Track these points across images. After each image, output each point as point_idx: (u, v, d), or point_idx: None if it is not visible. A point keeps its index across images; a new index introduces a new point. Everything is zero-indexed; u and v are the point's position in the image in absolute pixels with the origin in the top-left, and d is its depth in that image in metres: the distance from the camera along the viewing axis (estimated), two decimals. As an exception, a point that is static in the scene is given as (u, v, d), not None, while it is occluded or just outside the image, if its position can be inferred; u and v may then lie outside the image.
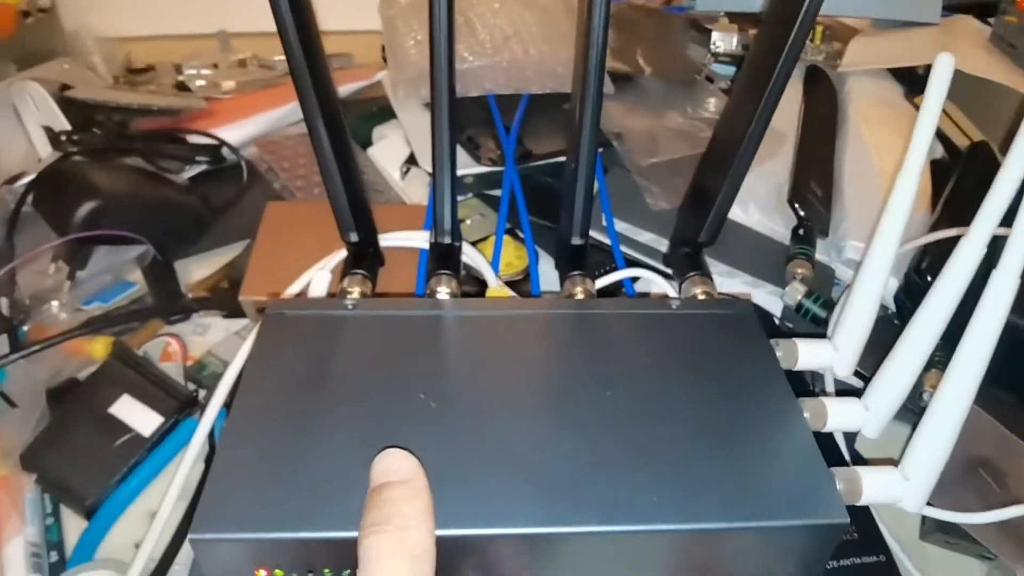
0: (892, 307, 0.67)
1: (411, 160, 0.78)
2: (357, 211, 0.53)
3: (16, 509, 0.51)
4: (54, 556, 0.52)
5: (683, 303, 0.46)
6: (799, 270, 0.65)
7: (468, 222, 0.73)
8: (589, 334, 0.45)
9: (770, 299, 0.66)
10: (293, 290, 0.56)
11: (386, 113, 0.84)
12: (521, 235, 0.68)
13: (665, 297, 0.51)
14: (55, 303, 0.64)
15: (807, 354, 0.46)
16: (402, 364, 0.41)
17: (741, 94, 0.50)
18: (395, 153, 0.81)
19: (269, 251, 0.65)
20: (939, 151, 0.83)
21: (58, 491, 0.54)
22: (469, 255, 0.57)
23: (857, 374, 0.62)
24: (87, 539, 0.53)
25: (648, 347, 0.44)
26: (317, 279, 0.52)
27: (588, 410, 0.39)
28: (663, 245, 0.67)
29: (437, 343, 0.44)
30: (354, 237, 0.53)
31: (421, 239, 0.58)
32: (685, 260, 0.53)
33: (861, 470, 0.44)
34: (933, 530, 0.55)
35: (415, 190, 0.77)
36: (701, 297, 0.49)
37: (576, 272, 0.50)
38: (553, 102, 0.75)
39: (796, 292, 0.64)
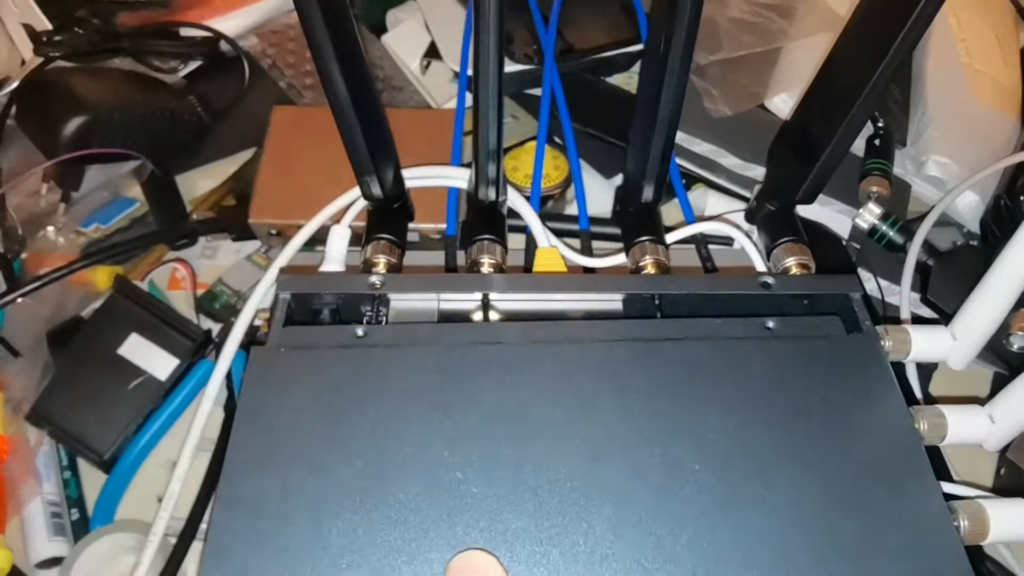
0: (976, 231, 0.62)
1: (432, 52, 0.71)
2: (381, 162, 0.46)
3: (29, 471, 0.49)
4: (75, 514, 0.50)
5: (777, 281, 0.41)
6: (874, 188, 0.60)
7: (499, 126, 0.66)
8: (663, 361, 0.37)
9: (839, 218, 0.61)
10: (304, 233, 0.51)
11: (399, -7, 0.76)
12: (559, 141, 0.62)
13: (755, 274, 0.45)
14: (51, 228, 0.60)
15: (922, 344, 0.42)
16: (437, 412, 0.34)
17: (864, 23, 0.43)
18: (414, 41, 0.73)
19: (277, 166, 0.60)
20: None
21: (73, 444, 0.51)
22: (515, 205, 0.51)
23: (928, 303, 0.59)
24: (107, 494, 0.51)
25: (742, 374, 0.37)
26: (335, 237, 0.47)
27: (681, 487, 0.32)
28: (724, 157, 0.61)
29: (477, 379, 0.36)
30: (378, 192, 0.47)
31: (454, 177, 0.53)
32: (776, 221, 0.47)
33: (946, 409, 0.42)
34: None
35: (439, 85, 0.70)
36: (796, 271, 0.45)
37: (645, 237, 0.44)
38: (597, -12, 0.67)
39: (871, 215, 0.59)
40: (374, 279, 0.43)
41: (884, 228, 0.58)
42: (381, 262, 0.45)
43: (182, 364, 0.53)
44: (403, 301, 0.44)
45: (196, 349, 0.54)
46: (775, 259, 0.47)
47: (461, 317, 0.44)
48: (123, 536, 0.49)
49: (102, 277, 0.59)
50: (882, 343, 0.43)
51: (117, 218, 0.63)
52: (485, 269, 0.45)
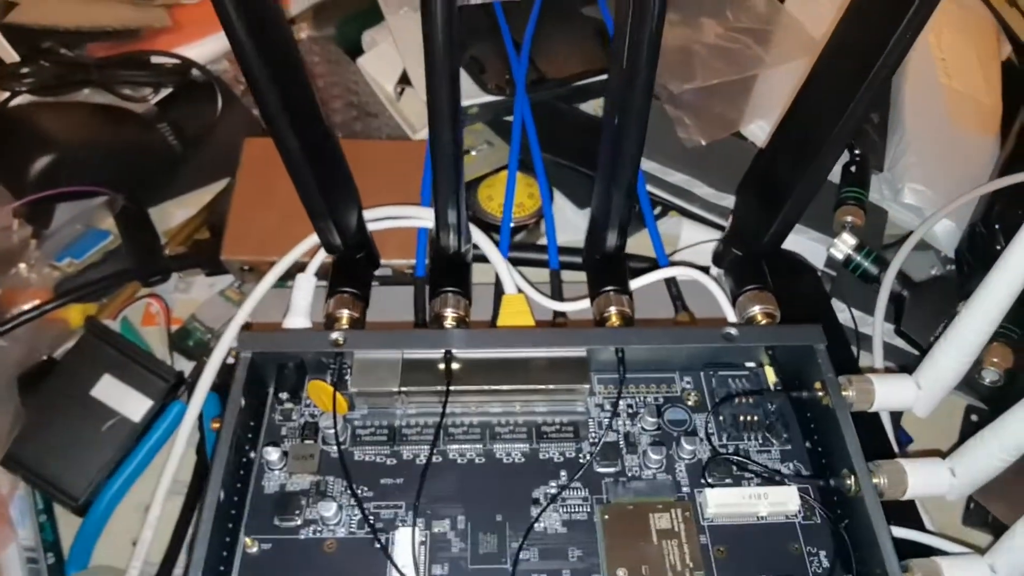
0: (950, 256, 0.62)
1: (407, 77, 0.71)
2: (340, 209, 0.46)
3: (3, 517, 0.50)
4: (51, 558, 0.51)
5: (741, 332, 0.41)
6: (849, 217, 0.60)
7: (473, 153, 0.66)
8: None
9: (814, 247, 0.61)
10: (273, 275, 0.52)
11: (377, 12, 0.75)
12: (532, 167, 0.62)
13: (723, 324, 0.46)
14: (23, 265, 0.60)
15: (886, 394, 0.43)
16: None
17: (835, 59, 0.42)
18: (389, 64, 0.72)
19: (249, 200, 0.60)
20: (1007, 51, 0.75)
21: (48, 488, 0.52)
22: (483, 248, 0.51)
23: (902, 334, 0.59)
24: (83, 538, 0.52)
25: None
26: (300, 288, 0.47)
27: None
28: (697, 187, 0.61)
29: None
30: (337, 241, 0.47)
31: (421, 218, 0.53)
32: (741, 267, 0.47)
33: (907, 464, 0.42)
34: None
35: (415, 111, 0.70)
36: (761, 320, 0.45)
37: (609, 287, 0.45)
38: (569, 14, 0.66)
39: (845, 245, 0.59)
40: (336, 336, 0.43)
41: (859, 259, 0.59)
42: (344, 316, 0.45)
43: (155, 405, 0.54)
44: (366, 356, 0.44)
45: (169, 390, 0.55)
46: (740, 306, 0.47)
47: (426, 366, 0.45)
48: (98, 583, 0.49)
49: (75, 315, 0.59)
50: (845, 393, 0.43)
51: (90, 252, 0.63)
52: (448, 323, 0.45)
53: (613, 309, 0.46)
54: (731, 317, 0.49)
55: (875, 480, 0.41)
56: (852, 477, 0.41)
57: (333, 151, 0.44)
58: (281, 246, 0.54)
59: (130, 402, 0.54)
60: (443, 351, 0.44)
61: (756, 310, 0.46)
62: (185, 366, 0.57)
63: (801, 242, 0.61)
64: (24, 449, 0.52)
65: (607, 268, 0.47)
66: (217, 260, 0.58)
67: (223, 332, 0.52)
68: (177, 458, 0.50)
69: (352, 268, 0.48)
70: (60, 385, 0.55)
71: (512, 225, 0.58)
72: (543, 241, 0.61)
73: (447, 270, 0.46)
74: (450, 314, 0.45)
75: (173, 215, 0.66)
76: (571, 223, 0.62)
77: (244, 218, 0.59)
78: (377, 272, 0.56)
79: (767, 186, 0.48)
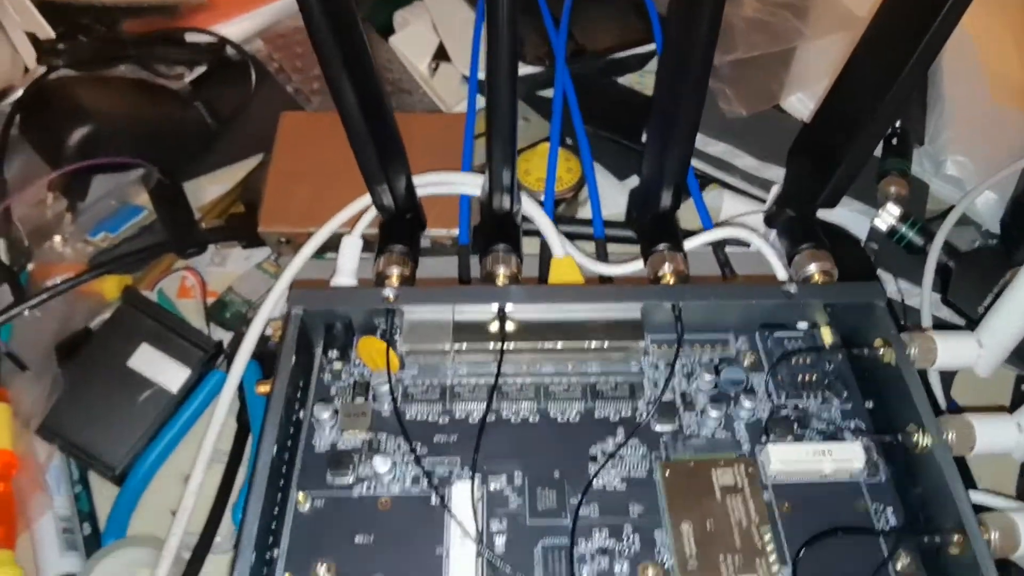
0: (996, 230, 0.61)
1: (441, 54, 0.70)
2: (393, 173, 0.46)
3: (39, 485, 0.49)
4: (87, 528, 0.50)
5: (799, 290, 0.40)
6: (893, 188, 0.59)
7: (510, 129, 0.65)
8: None
9: (857, 219, 0.60)
10: (315, 242, 0.51)
11: (407, -8, 0.75)
12: (571, 142, 0.61)
13: (777, 283, 0.44)
14: (57, 238, 0.59)
15: (948, 352, 0.41)
16: None
17: (884, 29, 0.42)
18: (422, 43, 0.72)
19: (286, 173, 0.59)
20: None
21: (85, 458, 0.51)
22: (529, 213, 0.50)
23: (948, 304, 0.57)
24: (119, 508, 0.50)
25: None
26: (346, 249, 0.46)
27: None
28: (738, 158, 0.60)
29: None
30: (390, 203, 0.46)
31: (466, 184, 0.52)
32: (796, 226, 0.46)
33: (974, 419, 0.41)
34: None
35: (448, 87, 0.69)
36: (818, 279, 0.44)
37: (663, 245, 0.44)
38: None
39: (890, 216, 0.58)
40: (387, 292, 0.42)
41: (904, 230, 0.57)
42: (394, 274, 0.44)
43: (193, 375, 0.53)
44: (417, 313, 0.43)
45: (207, 359, 0.54)
46: (796, 266, 0.46)
47: (476, 328, 0.44)
48: (136, 551, 0.48)
49: (111, 287, 0.58)
50: (908, 351, 0.42)
51: (125, 227, 0.62)
52: (501, 280, 0.44)
53: (668, 267, 0.45)
54: (784, 279, 0.48)
55: (944, 436, 0.40)
56: (920, 432, 0.40)
57: (387, 111, 0.43)
58: (319, 218, 0.53)
59: (168, 372, 0.53)
60: (496, 308, 0.43)
61: (813, 268, 0.45)
62: (223, 338, 0.56)
63: (844, 215, 0.60)
64: (60, 418, 0.51)
65: (660, 227, 0.46)
66: (253, 233, 0.57)
67: (261, 303, 0.51)
68: (218, 426, 0.49)
69: (402, 227, 0.47)
70: (97, 355, 0.54)
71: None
72: (583, 213, 0.60)
73: (498, 229, 0.45)
74: (502, 271, 0.44)
75: (207, 191, 0.65)
76: (608, 199, 0.61)
77: (281, 190, 0.58)
78: (417, 243, 0.55)
79: (818, 153, 0.47)
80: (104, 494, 0.51)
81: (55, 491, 0.50)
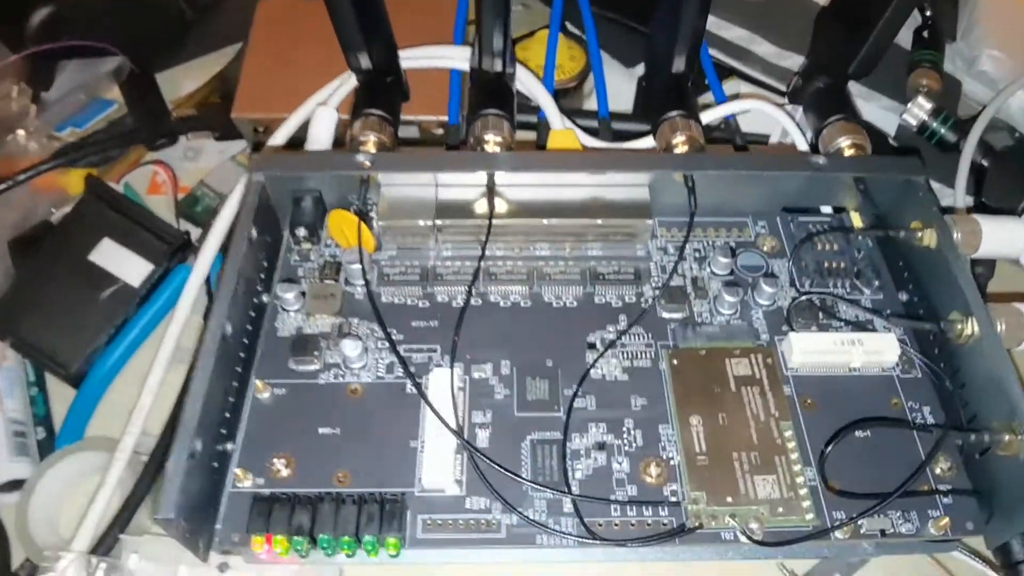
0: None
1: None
2: (369, 24, 0.39)
3: (-11, 386, 0.43)
4: (41, 432, 0.44)
5: (829, 162, 0.33)
6: (924, 81, 0.52)
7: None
8: None
9: (885, 115, 0.53)
10: (289, 126, 0.44)
11: None
12: (573, 29, 0.54)
13: (802, 154, 0.38)
14: (21, 132, 0.53)
15: (993, 236, 0.35)
16: None
17: None
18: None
19: (263, 60, 0.52)
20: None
21: (39, 357, 0.45)
22: (524, 84, 0.43)
23: (983, 207, 0.51)
24: (76, 411, 0.44)
25: None
26: (320, 119, 0.40)
27: None
28: (757, 44, 0.53)
29: None
30: (365, 62, 0.39)
31: (456, 58, 0.45)
32: (825, 97, 0.39)
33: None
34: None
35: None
36: (850, 153, 0.37)
37: (675, 112, 0.37)
38: None
39: (920, 110, 0.50)
40: (362, 157, 0.35)
41: (935, 125, 0.50)
42: (370, 140, 0.38)
43: (157, 269, 0.46)
44: (396, 187, 0.37)
45: (173, 253, 0.47)
46: (825, 140, 0.39)
47: (462, 204, 0.37)
48: (91, 455, 0.42)
49: (74, 180, 0.52)
50: (952, 235, 0.36)
51: (93, 120, 0.56)
52: (491, 147, 0.37)
53: (681, 136, 0.38)
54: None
55: (996, 327, 0.33)
56: (966, 321, 0.33)
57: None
58: (296, 104, 0.47)
59: (131, 266, 0.47)
60: (484, 179, 0.36)
61: (843, 141, 0.38)
62: (191, 232, 0.50)
63: (871, 111, 0.52)
64: (15, 316, 0.45)
65: (672, 93, 0.39)
66: (228, 122, 0.51)
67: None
68: (181, 322, 0.43)
69: (381, 90, 0.40)
70: (56, 249, 0.47)
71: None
72: (588, 106, 0.53)
73: (489, 94, 0.39)
74: (492, 138, 0.37)
75: (181, 84, 0.58)
76: (615, 89, 0.54)
77: (257, 76, 0.51)
78: (402, 134, 0.48)
79: (851, 15, 0.40)
80: (64, 397, 0.45)
81: (7, 393, 0.44)
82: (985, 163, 0.50)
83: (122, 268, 0.47)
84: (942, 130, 0.50)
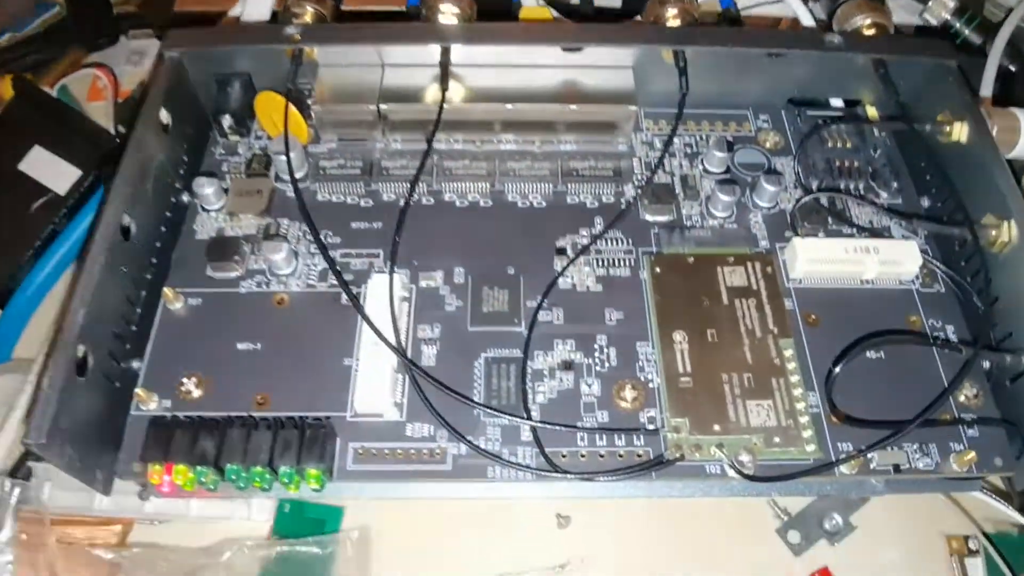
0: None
1: None
2: None
3: None
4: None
5: (847, 41, 0.27)
6: (947, -25, 0.45)
7: None
8: None
9: (902, 14, 0.46)
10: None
11: None
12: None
13: (812, 31, 0.32)
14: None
15: None
16: None
17: None
18: None
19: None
20: None
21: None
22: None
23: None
24: (2, 332, 0.40)
25: None
26: None
27: None
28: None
29: None
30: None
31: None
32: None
33: None
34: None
35: None
36: (870, 32, 0.30)
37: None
38: None
39: (942, 8, 0.44)
40: (291, 30, 0.29)
41: (959, 25, 0.44)
42: (307, 12, 0.32)
43: (86, 176, 0.41)
44: (336, 68, 0.31)
45: (104, 159, 0.41)
46: (840, 19, 0.33)
47: (413, 88, 0.31)
48: (13, 378, 0.37)
49: (5, 87, 0.46)
50: (989, 128, 0.30)
51: (33, 24, 0.50)
52: (445, 18, 0.31)
53: (672, 8, 0.31)
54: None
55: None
56: (1002, 225, 0.27)
57: None
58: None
59: (63, 176, 0.41)
60: (437, 55, 0.30)
61: (862, 19, 0.32)
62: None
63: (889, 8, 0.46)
64: (-68, 226, 0.40)
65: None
66: (172, 19, 0.45)
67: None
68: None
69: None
70: (-20, 156, 0.42)
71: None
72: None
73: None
74: (448, 8, 0.31)
75: (128, -11, 0.52)
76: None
77: (203, -33, 0.45)
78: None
79: None
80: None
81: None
82: (1013, 68, 0.44)
83: (54, 178, 0.41)
84: (966, 31, 0.44)
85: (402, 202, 0.30)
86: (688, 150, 0.32)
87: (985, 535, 0.29)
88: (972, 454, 0.25)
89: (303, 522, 0.30)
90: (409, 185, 0.30)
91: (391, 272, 0.27)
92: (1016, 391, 0.27)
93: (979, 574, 0.29)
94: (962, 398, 0.27)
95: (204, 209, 0.30)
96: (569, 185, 0.31)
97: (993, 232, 0.28)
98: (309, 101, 0.31)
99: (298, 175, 0.30)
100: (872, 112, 0.33)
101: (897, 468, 0.26)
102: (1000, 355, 0.27)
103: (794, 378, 0.26)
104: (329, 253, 0.29)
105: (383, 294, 0.27)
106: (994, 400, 0.27)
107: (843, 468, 0.25)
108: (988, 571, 0.29)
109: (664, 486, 0.26)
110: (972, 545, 0.29)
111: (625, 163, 0.31)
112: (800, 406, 0.26)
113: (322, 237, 0.29)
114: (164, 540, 0.30)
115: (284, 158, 0.29)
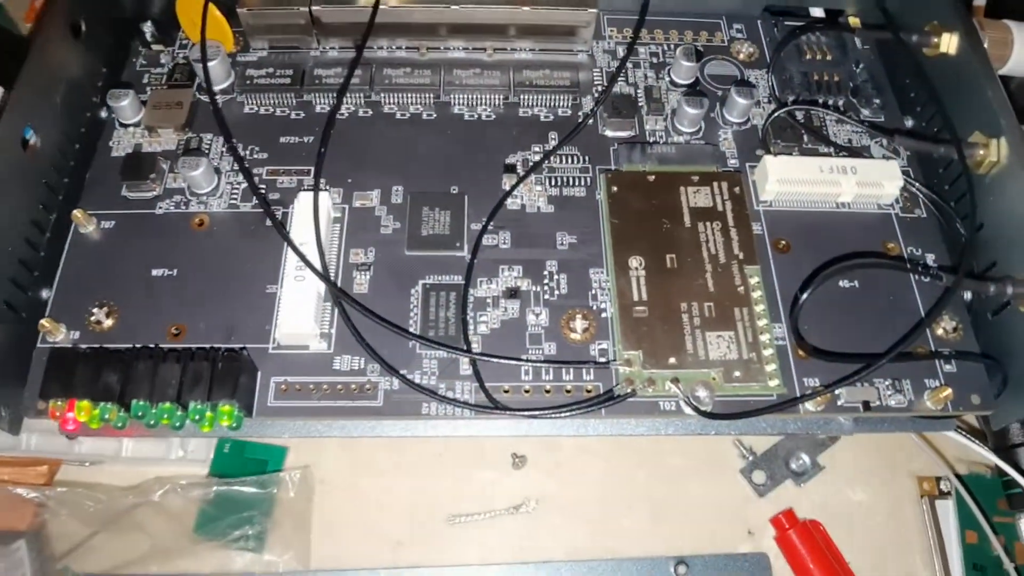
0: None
1: None
2: None
3: None
4: None
5: None
6: None
7: None
8: None
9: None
10: None
11: None
12: None
13: None
14: None
15: None
16: None
17: None
18: None
19: None
20: None
21: None
22: None
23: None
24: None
25: None
26: None
27: None
28: None
29: None
30: None
31: None
32: None
33: None
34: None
35: None
36: None
37: None
38: None
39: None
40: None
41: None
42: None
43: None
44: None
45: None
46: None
47: None
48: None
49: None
50: (980, 39, 0.26)
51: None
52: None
53: None
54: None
55: None
56: (991, 144, 0.24)
57: None
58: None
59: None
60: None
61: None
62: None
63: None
64: None
65: None
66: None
67: None
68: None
69: None
70: None
71: None
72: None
73: None
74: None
75: None
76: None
77: None
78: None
79: None
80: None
81: None
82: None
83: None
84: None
85: (337, 114, 0.26)
86: (654, 59, 0.29)
87: (957, 476, 0.27)
88: (948, 391, 0.23)
89: (243, 462, 0.28)
90: (347, 95, 0.27)
91: (316, 190, 0.24)
92: (999, 324, 0.24)
93: (949, 516, 0.27)
94: (940, 331, 0.24)
95: (121, 124, 0.27)
96: (522, 96, 0.27)
97: (981, 151, 0.25)
98: (239, 8, 0.27)
99: (223, 85, 0.27)
100: (855, 21, 0.29)
101: (867, 405, 0.23)
102: (983, 284, 0.24)
103: (759, 307, 0.23)
104: (253, 170, 0.25)
105: (306, 215, 0.23)
106: (974, 334, 0.25)
107: (808, 405, 0.23)
108: (959, 513, 0.27)
109: (615, 424, 0.23)
110: (944, 487, 0.27)
111: (584, 73, 0.28)
112: (764, 338, 0.23)
113: (248, 153, 0.26)
114: (99, 479, 0.28)
115: (212, 69, 0.26)
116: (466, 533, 0.27)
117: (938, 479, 0.27)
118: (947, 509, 0.27)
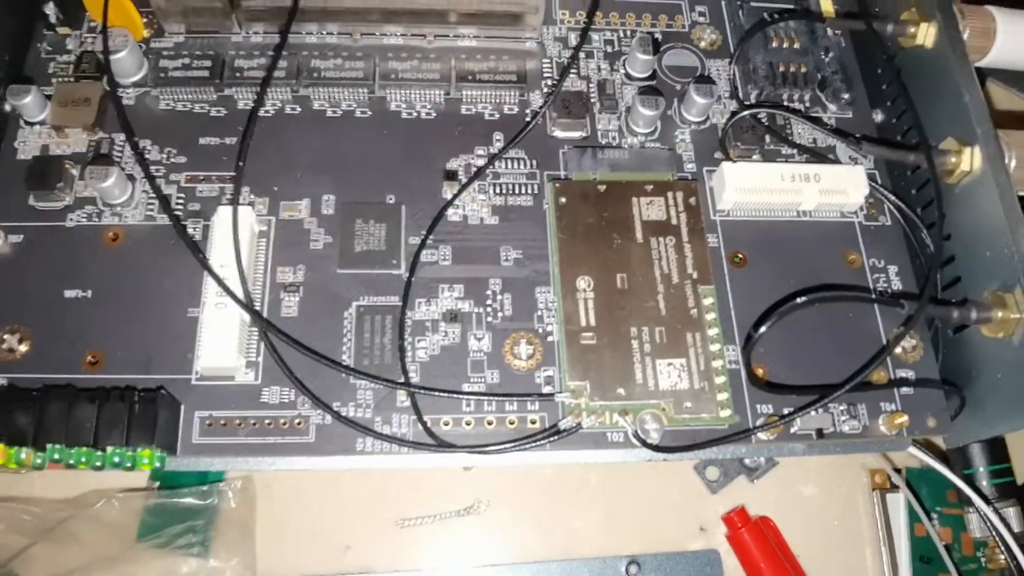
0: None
1: None
2: None
3: None
4: None
5: None
6: None
7: None
8: None
9: None
10: None
11: None
12: None
13: None
14: None
15: (1011, 35, 0.22)
16: None
17: None
18: None
19: None
20: None
21: None
22: None
23: None
24: None
25: None
26: None
27: None
28: None
29: None
30: None
31: None
32: None
33: None
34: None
35: None
36: None
37: None
38: None
39: None
40: None
41: None
42: None
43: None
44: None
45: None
46: None
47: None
48: None
49: None
50: (960, 31, 0.23)
51: None
52: None
53: None
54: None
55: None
56: (963, 151, 0.21)
57: None
58: None
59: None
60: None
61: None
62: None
63: None
64: None
65: None
66: None
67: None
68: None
69: None
70: None
71: None
72: None
73: None
74: None
75: None
76: None
77: None
78: None
79: None
80: None
81: None
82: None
83: None
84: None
85: (261, 110, 0.23)
86: (609, 48, 0.25)
87: (908, 469, 0.25)
88: (904, 418, 0.21)
89: (183, 471, 0.25)
90: (272, 89, 0.23)
91: (235, 205, 0.20)
92: (960, 342, 0.22)
93: (899, 509, 0.25)
94: (899, 349, 0.22)
95: (27, 123, 0.23)
96: (464, 92, 0.24)
97: (952, 159, 0.22)
98: (147, -16, 0.23)
99: (135, 78, 0.23)
100: (827, 6, 0.26)
101: (820, 433, 0.21)
102: (947, 310, 0.21)
103: (712, 331, 0.21)
104: (171, 176, 0.22)
105: (225, 229, 0.20)
106: (935, 351, 0.22)
107: (760, 435, 0.20)
108: (908, 506, 0.25)
109: (561, 456, 0.21)
110: (895, 480, 0.26)
111: (532, 64, 0.24)
112: (717, 364, 0.21)
113: (164, 156, 0.22)
114: (34, 492, 0.25)
115: (116, 56, 0.22)
116: (417, 536, 0.25)
117: (889, 473, 0.26)
118: (897, 502, 0.25)
